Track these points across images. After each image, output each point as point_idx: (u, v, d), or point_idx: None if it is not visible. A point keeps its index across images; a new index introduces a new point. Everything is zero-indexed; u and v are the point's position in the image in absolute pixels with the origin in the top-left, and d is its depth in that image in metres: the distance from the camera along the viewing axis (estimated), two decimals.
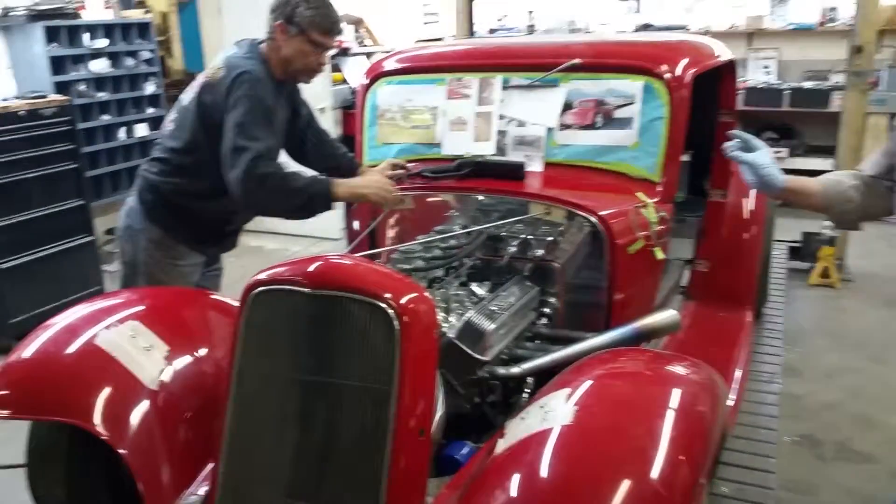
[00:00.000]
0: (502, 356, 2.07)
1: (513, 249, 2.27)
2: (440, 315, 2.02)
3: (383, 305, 1.58)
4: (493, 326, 1.97)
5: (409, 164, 2.66)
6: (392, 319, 1.58)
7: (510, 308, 2.10)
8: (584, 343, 2.10)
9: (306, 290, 1.63)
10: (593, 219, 2.29)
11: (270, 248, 5.96)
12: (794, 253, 4.97)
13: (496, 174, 2.52)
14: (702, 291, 3.45)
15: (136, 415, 1.75)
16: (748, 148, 1.89)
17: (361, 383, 1.59)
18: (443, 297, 2.10)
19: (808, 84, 6.21)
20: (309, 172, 2.52)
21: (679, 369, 1.71)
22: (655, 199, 2.46)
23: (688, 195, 3.92)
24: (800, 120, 6.45)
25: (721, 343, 3.21)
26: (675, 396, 1.54)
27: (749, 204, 3.61)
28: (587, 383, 1.58)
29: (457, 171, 2.54)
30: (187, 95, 2.47)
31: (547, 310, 2.36)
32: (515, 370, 1.96)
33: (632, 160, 2.52)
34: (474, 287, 2.14)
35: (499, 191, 2.41)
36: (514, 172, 2.50)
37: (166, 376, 1.81)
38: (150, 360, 1.81)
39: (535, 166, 2.61)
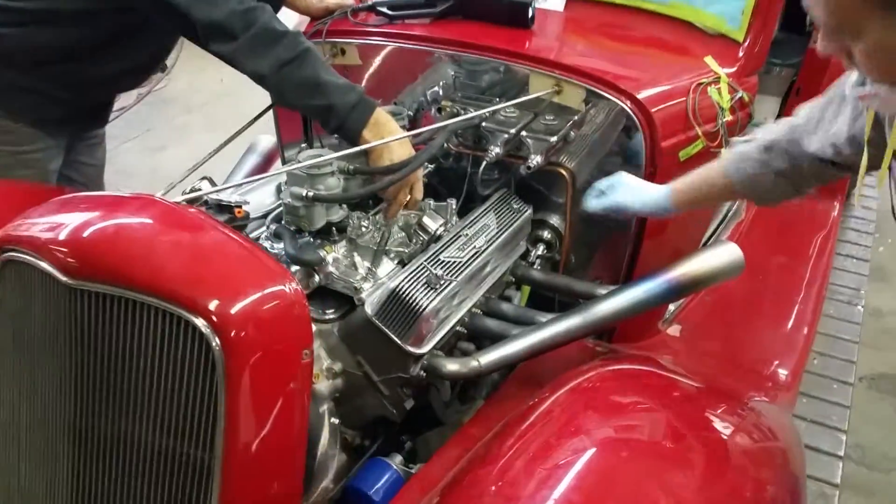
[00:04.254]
0: (458, 328, 1.35)
1: (497, 150, 1.45)
2: (363, 265, 1.29)
3: (192, 317, 0.86)
4: (437, 300, 1.23)
5: None
6: (210, 340, 0.86)
7: (478, 254, 1.34)
8: (588, 311, 1.35)
9: (64, 278, 0.90)
10: (626, 103, 1.43)
11: None
12: None
13: (488, 14, 1.63)
14: None
15: None
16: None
17: (164, 441, 0.92)
18: (370, 230, 1.35)
19: None
20: None
21: (735, 435, 0.98)
22: (732, 70, 1.57)
23: (778, 32, 2.89)
24: None
25: (795, 246, 2.41)
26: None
27: None
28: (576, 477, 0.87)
29: (427, 6, 1.65)
30: None
31: (546, 235, 1.59)
32: (472, 365, 1.25)
33: (704, 2, 1.59)
34: (426, 217, 1.36)
35: (487, 50, 1.54)
36: (517, 14, 1.60)
37: None
38: None
39: (552, 2, 1.69)
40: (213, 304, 0.87)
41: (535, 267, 1.56)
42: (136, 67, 1.67)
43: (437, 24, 1.65)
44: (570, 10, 1.69)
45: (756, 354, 1.81)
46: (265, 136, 2.12)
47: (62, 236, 0.92)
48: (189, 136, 3.77)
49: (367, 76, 1.73)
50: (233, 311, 0.88)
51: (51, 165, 1.70)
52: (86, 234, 0.92)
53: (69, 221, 0.95)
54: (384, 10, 1.65)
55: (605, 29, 1.65)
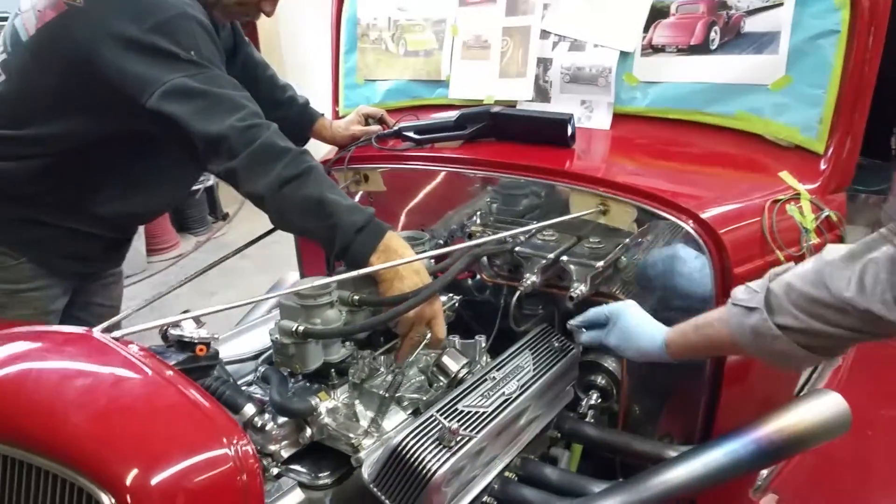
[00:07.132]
0: (485, 499, 1.07)
1: (533, 278, 1.23)
2: (367, 416, 1.05)
3: (97, 490, 0.65)
4: (452, 461, 0.97)
5: (392, 118, 1.66)
6: None
7: (508, 402, 1.09)
8: (654, 480, 1.07)
9: None
10: (688, 223, 1.21)
11: None
12: None
13: (523, 134, 1.48)
14: None
15: None
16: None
17: None
18: (382, 374, 1.13)
19: None
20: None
21: None
22: (814, 186, 1.34)
23: (861, 158, 2.66)
24: None
25: None
26: None
27: None
28: None
29: (457, 129, 1.51)
30: (22, 29, 1.31)
31: (600, 381, 1.33)
32: None
33: (774, 111, 1.39)
34: (446, 357, 1.13)
35: (519, 168, 1.36)
36: (555, 131, 1.43)
37: None
38: None
39: (596, 120, 1.53)
40: (126, 473, 0.65)
41: (587, 420, 1.29)
42: (149, 207, 1.56)
43: (468, 146, 1.50)
44: (616, 129, 1.52)
45: None
46: (293, 273, 1.97)
47: None
48: (240, 280, 3.71)
49: (395, 204, 1.58)
50: (153, 481, 0.66)
51: (51, 306, 1.56)
52: None
53: None
54: (410, 134, 1.52)
55: (660, 146, 1.46)
